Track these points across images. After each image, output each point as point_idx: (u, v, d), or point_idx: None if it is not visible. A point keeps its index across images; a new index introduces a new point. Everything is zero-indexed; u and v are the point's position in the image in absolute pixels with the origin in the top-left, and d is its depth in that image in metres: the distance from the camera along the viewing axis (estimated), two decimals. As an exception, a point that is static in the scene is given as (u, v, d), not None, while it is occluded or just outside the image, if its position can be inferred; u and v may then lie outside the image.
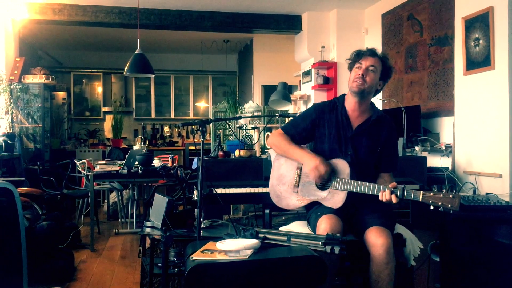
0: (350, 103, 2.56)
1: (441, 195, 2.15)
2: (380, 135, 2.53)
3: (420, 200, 2.19)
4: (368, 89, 2.49)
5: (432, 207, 2.18)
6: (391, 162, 2.57)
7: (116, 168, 5.07)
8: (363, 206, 2.45)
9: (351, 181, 2.37)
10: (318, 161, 2.42)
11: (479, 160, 3.72)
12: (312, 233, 2.41)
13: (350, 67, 2.57)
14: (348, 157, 2.48)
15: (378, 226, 2.29)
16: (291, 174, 2.60)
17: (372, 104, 2.61)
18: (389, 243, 2.24)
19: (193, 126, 2.64)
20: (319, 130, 2.59)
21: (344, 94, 2.62)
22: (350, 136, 2.52)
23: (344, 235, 2.30)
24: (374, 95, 2.59)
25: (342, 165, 2.43)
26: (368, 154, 2.51)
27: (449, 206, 2.13)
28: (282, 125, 2.85)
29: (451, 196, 2.13)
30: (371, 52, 2.51)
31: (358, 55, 2.54)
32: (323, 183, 2.47)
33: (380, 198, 2.28)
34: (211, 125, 6.23)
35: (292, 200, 2.58)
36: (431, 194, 2.17)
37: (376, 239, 2.24)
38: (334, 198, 2.42)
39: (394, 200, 2.25)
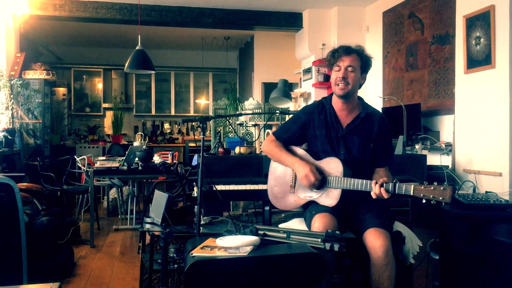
0: (337, 103, 2.55)
1: (432, 187, 2.14)
2: (371, 131, 2.52)
3: (412, 194, 2.18)
4: (352, 89, 2.48)
5: (424, 201, 2.16)
6: (385, 157, 2.55)
7: (116, 164, 5.07)
8: (361, 205, 2.45)
9: (344, 178, 2.37)
10: (308, 169, 2.43)
11: (479, 158, 3.72)
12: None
13: (330, 68, 2.55)
14: (342, 156, 2.49)
15: (376, 228, 2.28)
16: (287, 175, 2.61)
17: (361, 100, 2.60)
18: (388, 245, 2.23)
19: (193, 123, 2.64)
20: (309, 132, 2.60)
21: (332, 94, 2.60)
22: (341, 135, 2.52)
23: (341, 233, 2.30)
24: (359, 88, 2.57)
25: (335, 164, 2.43)
26: (361, 152, 2.50)
27: (440, 198, 2.12)
28: (273, 131, 2.86)
29: (442, 188, 2.12)
30: (346, 51, 2.47)
31: (333, 56, 2.50)
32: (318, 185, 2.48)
33: (371, 193, 2.28)
34: (211, 122, 6.22)
35: (289, 201, 2.60)
36: (422, 187, 2.16)
37: (374, 241, 2.24)
38: (329, 196, 2.43)
39: (384, 195, 2.24)
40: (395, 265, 2.25)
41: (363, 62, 2.50)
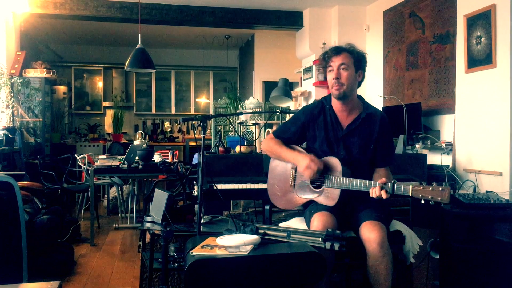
0: (337, 104, 2.54)
1: (430, 188, 2.14)
2: (372, 131, 2.50)
3: (410, 194, 2.18)
4: (348, 88, 2.45)
5: (422, 201, 2.16)
6: (386, 157, 2.54)
7: (116, 163, 5.08)
8: (359, 203, 2.45)
9: (343, 178, 2.37)
10: (309, 159, 2.42)
11: (480, 158, 3.72)
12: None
13: (323, 72, 2.54)
14: (341, 157, 2.47)
15: (371, 220, 2.29)
16: (286, 174, 2.61)
17: (361, 99, 2.58)
18: (383, 237, 2.23)
19: (193, 122, 2.64)
20: (309, 133, 2.59)
21: (331, 94, 2.58)
22: (341, 136, 2.51)
23: (341, 232, 2.30)
24: (358, 87, 2.55)
25: (334, 163, 2.43)
26: (362, 152, 2.50)
27: (439, 199, 2.12)
28: (273, 130, 2.86)
29: (440, 188, 2.12)
30: (336, 51, 2.46)
31: (324, 59, 2.50)
32: (318, 182, 2.48)
33: (370, 194, 2.28)
34: (211, 120, 6.22)
35: (289, 200, 2.60)
36: (421, 188, 2.16)
37: (369, 234, 2.25)
38: (329, 196, 2.42)
39: (384, 195, 2.23)
40: (391, 257, 2.25)
41: (356, 59, 2.47)
